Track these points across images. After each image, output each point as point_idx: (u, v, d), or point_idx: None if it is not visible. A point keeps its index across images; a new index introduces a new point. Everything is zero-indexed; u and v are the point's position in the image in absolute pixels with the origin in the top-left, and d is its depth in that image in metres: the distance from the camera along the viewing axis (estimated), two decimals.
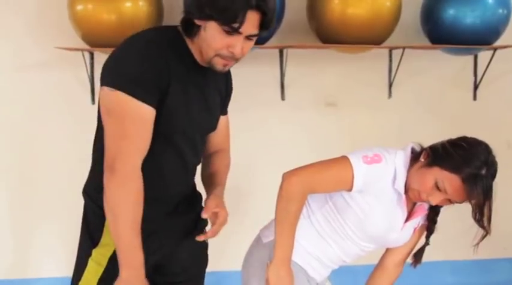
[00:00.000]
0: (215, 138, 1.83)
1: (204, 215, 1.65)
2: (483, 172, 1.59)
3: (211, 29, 1.48)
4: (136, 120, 1.49)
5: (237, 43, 1.48)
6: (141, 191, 1.51)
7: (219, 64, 1.55)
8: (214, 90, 1.71)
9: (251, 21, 1.45)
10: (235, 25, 1.44)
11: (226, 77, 1.77)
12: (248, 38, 1.50)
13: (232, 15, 1.43)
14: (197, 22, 1.52)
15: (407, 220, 1.75)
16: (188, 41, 1.58)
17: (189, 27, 1.55)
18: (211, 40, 1.49)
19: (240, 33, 1.46)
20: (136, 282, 1.52)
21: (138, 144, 1.51)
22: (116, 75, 1.49)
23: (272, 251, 1.68)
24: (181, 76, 1.54)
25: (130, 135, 1.49)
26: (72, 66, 3.16)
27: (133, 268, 1.52)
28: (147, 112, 1.50)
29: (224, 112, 1.83)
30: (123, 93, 1.46)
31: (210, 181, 1.80)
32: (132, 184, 1.50)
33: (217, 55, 1.52)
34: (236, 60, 1.55)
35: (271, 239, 1.73)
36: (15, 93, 3.23)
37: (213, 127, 1.77)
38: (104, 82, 1.52)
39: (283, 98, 3.37)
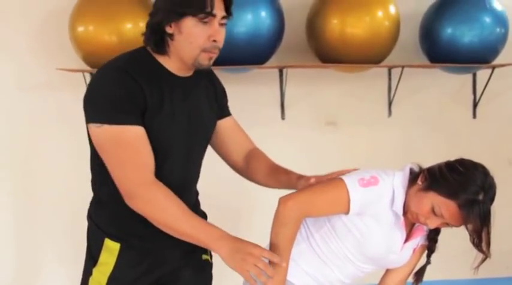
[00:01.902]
0: (235, 144, 1.83)
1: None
2: (480, 197, 1.56)
3: (188, 26, 1.53)
4: (131, 143, 1.52)
5: (216, 29, 1.55)
6: (166, 190, 1.54)
7: (205, 59, 1.58)
8: (199, 99, 1.70)
9: (218, 5, 1.54)
10: (208, 9, 1.51)
11: (210, 79, 1.77)
12: (220, 24, 1.56)
13: (203, 2, 1.51)
14: (169, 30, 1.55)
15: (406, 240, 1.74)
16: (159, 57, 1.60)
17: (160, 42, 1.58)
18: (192, 37, 1.54)
19: (214, 15, 1.53)
20: (235, 249, 1.48)
21: (140, 162, 1.53)
22: (96, 110, 1.53)
23: None
24: (156, 94, 1.56)
25: (131, 159, 1.52)
26: (73, 87, 3.17)
27: (220, 241, 1.50)
28: (137, 132, 1.53)
29: (225, 113, 1.83)
30: (109, 125, 1.50)
31: (278, 177, 1.78)
32: (154, 192, 1.53)
33: (202, 51, 1.55)
34: (218, 49, 1.59)
35: None
36: (17, 112, 3.25)
37: (204, 137, 1.76)
38: (88, 119, 1.55)
39: (283, 117, 3.38)
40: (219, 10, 1.54)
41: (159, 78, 1.58)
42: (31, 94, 3.23)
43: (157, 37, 1.57)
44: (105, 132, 1.51)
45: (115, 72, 1.54)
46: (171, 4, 1.53)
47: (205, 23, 1.53)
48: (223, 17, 1.57)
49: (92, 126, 1.53)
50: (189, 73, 1.65)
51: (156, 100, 1.55)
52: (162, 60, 1.61)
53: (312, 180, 1.68)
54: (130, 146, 1.52)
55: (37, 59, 3.20)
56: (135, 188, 1.52)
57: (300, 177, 1.73)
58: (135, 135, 1.52)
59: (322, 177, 1.69)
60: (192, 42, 1.54)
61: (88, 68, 3.02)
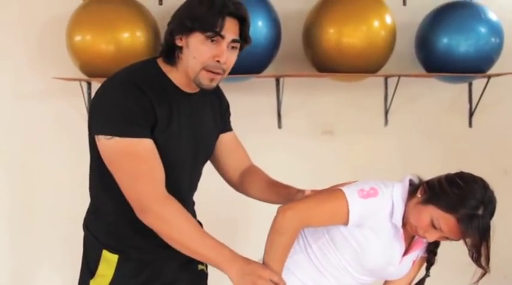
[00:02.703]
0: (232, 160, 1.84)
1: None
2: (479, 212, 1.55)
3: (195, 41, 1.53)
4: (142, 156, 1.52)
5: (222, 50, 1.53)
6: (179, 205, 1.54)
7: (205, 79, 1.57)
8: (204, 114, 1.71)
9: (230, 27, 1.53)
10: (217, 29, 1.50)
11: (217, 94, 1.78)
12: (231, 47, 1.55)
13: (213, 20, 1.50)
14: (178, 42, 1.55)
15: (406, 253, 1.73)
16: (168, 71, 1.61)
17: (171, 54, 1.59)
18: (197, 52, 1.54)
19: (222, 36, 1.52)
20: (245, 271, 1.50)
21: (153, 176, 1.53)
22: (105, 122, 1.52)
23: None
24: (165, 109, 1.56)
25: (142, 173, 1.52)
26: (70, 96, 3.18)
27: (230, 262, 1.51)
28: (147, 144, 1.52)
29: (227, 128, 1.84)
30: (120, 138, 1.50)
31: (277, 191, 1.79)
32: (168, 208, 1.53)
33: (203, 68, 1.55)
34: (223, 72, 1.57)
35: None
36: (14, 121, 3.24)
37: (208, 152, 1.77)
38: (97, 131, 1.54)
39: (279, 126, 3.39)
40: (230, 32, 1.53)
41: (167, 93, 1.58)
42: (28, 102, 3.23)
43: (169, 47, 1.58)
44: (116, 145, 1.50)
45: (125, 85, 1.53)
46: (183, 17, 1.54)
47: (213, 41, 1.52)
48: (235, 41, 1.55)
49: (102, 137, 1.52)
50: (196, 89, 1.64)
51: (165, 115, 1.56)
52: (171, 74, 1.61)
53: (308, 193, 1.69)
54: (142, 160, 1.51)
55: (34, 68, 3.20)
56: (148, 203, 1.52)
57: (299, 191, 1.73)
58: (146, 148, 1.52)
59: (321, 191, 1.70)
60: (196, 57, 1.54)
61: (85, 77, 3.02)
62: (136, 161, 1.51)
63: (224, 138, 1.82)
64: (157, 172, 1.54)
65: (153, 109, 1.53)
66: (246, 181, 1.83)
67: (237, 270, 1.50)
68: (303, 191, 1.72)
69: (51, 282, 3.31)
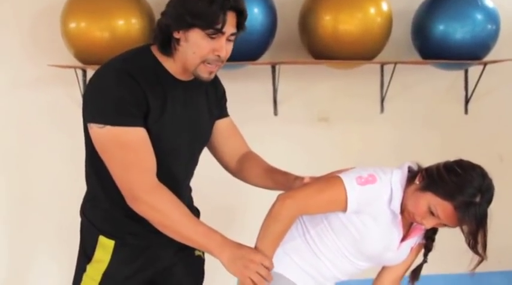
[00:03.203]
0: (230, 145, 1.84)
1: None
2: (477, 199, 1.56)
3: (194, 36, 1.51)
4: (133, 145, 1.52)
5: (222, 45, 1.53)
6: (170, 194, 1.55)
7: (204, 72, 1.57)
8: (199, 101, 1.71)
9: (230, 21, 1.52)
10: (218, 26, 1.49)
11: (212, 81, 1.76)
12: (228, 39, 1.55)
13: (214, 18, 1.48)
14: (176, 35, 1.54)
15: (404, 239, 1.74)
16: (163, 60, 1.60)
17: (167, 44, 1.57)
18: (196, 47, 1.53)
19: (223, 33, 1.51)
20: (236, 255, 1.52)
21: (145, 165, 1.54)
22: (98, 111, 1.53)
23: None
24: (158, 98, 1.56)
25: (133, 162, 1.52)
26: (65, 84, 3.16)
27: (221, 247, 1.53)
28: (140, 134, 1.53)
29: (223, 114, 1.83)
30: (112, 126, 1.50)
31: (274, 177, 1.78)
32: (159, 197, 1.54)
33: (202, 62, 1.55)
34: (222, 63, 1.58)
35: None
36: (8, 110, 3.23)
37: (203, 140, 1.77)
38: (89, 119, 1.55)
39: (275, 113, 3.38)
40: (229, 26, 1.52)
41: (161, 82, 1.58)
42: (22, 90, 3.21)
43: (165, 38, 1.56)
44: (108, 133, 1.50)
45: (118, 74, 1.53)
46: (183, 11, 1.51)
47: (213, 38, 1.51)
48: (233, 33, 1.55)
49: (94, 126, 1.53)
50: (191, 77, 1.64)
51: (158, 103, 1.55)
52: (166, 62, 1.60)
53: (307, 180, 1.69)
54: (134, 149, 1.52)
55: (28, 55, 3.18)
56: (139, 193, 1.53)
57: (297, 178, 1.73)
58: (138, 137, 1.52)
59: (320, 178, 1.70)
60: (196, 52, 1.53)
61: (80, 64, 3.00)
62: (128, 150, 1.51)
63: (221, 124, 1.82)
64: (149, 161, 1.55)
65: (145, 98, 1.52)
66: (244, 167, 1.83)
67: (229, 255, 1.52)
68: (301, 178, 1.72)
69: (48, 271, 3.32)
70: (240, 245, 1.55)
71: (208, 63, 1.55)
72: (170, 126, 1.59)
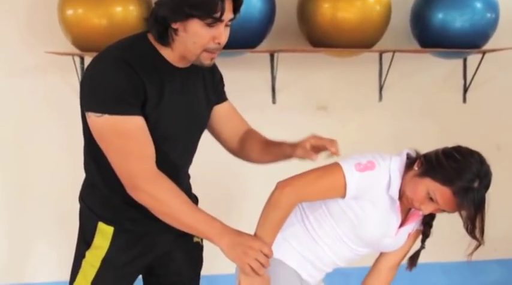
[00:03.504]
0: (231, 129, 1.84)
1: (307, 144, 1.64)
2: (475, 184, 1.58)
3: (193, 26, 1.51)
4: (132, 134, 1.52)
5: (221, 32, 1.53)
6: (169, 183, 1.55)
7: (206, 59, 1.57)
8: (196, 88, 1.71)
9: (228, 8, 1.52)
10: (217, 15, 1.48)
11: (209, 67, 1.75)
12: (226, 25, 1.55)
13: (213, 7, 1.47)
14: (174, 26, 1.53)
15: (401, 225, 1.76)
16: (160, 48, 1.59)
17: (164, 34, 1.56)
18: (196, 37, 1.52)
19: (222, 21, 1.51)
20: (236, 242, 1.53)
21: (142, 154, 1.54)
22: (96, 99, 1.52)
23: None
24: (155, 85, 1.56)
25: (132, 150, 1.52)
26: (63, 71, 3.15)
27: (221, 234, 1.54)
28: (138, 122, 1.52)
29: (222, 99, 1.83)
30: (110, 115, 1.50)
31: (270, 150, 1.78)
32: (158, 186, 1.54)
33: (204, 50, 1.54)
34: (220, 49, 1.58)
35: None
36: (5, 98, 3.22)
37: (201, 127, 1.77)
38: (87, 108, 1.55)
39: (274, 102, 3.38)
40: (228, 13, 1.52)
41: (158, 69, 1.58)
42: (20, 78, 3.20)
43: (161, 28, 1.55)
44: (106, 122, 1.50)
45: (116, 62, 1.52)
46: (180, 2, 1.49)
47: (212, 26, 1.51)
48: (231, 19, 1.55)
49: (92, 114, 1.52)
50: (188, 64, 1.64)
51: (155, 91, 1.55)
52: (163, 50, 1.59)
53: (307, 145, 1.64)
54: (132, 138, 1.52)
55: (25, 42, 3.16)
56: (138, 182, 1.53)
57: (293, 145, 1.70)
58: (136, 126, 1.52)
59: (316, 139, 1.66)
60: (196, 42, 1.53)
61: (77, 51, 2.99)
62: (126, 139, 1.51)
63: (220, 109, 1.82)
64: (147, 149, 1.55)
65: (143, 86, 1.52)
66: (244, 146, 1.83)
67: (228, 242, 1.53)
68: (297, 145, 1.68)
69: (46, 258, 3.33)
70: (239, 232, 1.56)
71: (209, 51, 1.55)
72: (168, 113, 1.59)
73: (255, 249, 1.52)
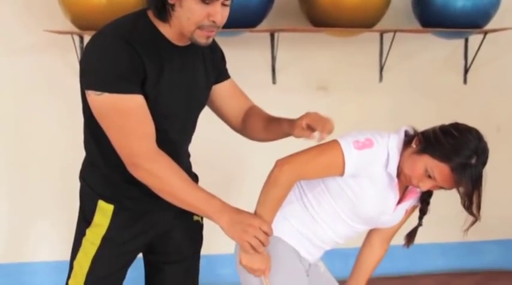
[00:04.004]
0: (234, 107, 1.83)
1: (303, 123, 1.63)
2: (473, 161, 1.59)
3: (189, 2, 1.50)
4: (132, 112, 1.52)
5: (217, 10, 1.51)
6: (169, 161, 1.56)
7: (201, 37, 1.56)
8: (196, 66, 1.70)
9: None
10: None
11: (210, 45, 1.75)
12: (223, 4, 1.52)
13: None
14: (170, 1, 1.52)
15: (399, 202, 1.77)
16: (159, 25, 1.58)
17: (162, 10, 1.55)
18: (191, 13, 1.51)
19: None
20: (235, 220, 1.54)
21: (142, 132, 1.54)
22: (96, 78, 1.52)
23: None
24: (155, 64, 1.55)
25: (132, 129, 1.53)
26: (62, 50, 3.13)
27: (220, 212, 1.55)
28: (138, 100, 1.52)
29: (224, 77, 1.82)
30: (110, 94, 1.49)
31: (270, 128, 1.78)
32: (159, 164, 1.55)
33: (198, 28, 1.53)
34: (217, 28, 1.56)
35: None
36: (4, 77, 3.21)
37: (200, 105, 1.77)
38: (87, 87, 1.54)
39: (274, 82, 3.37)
40: None
41: (158, 47, 1.57)
42: (18, 57, 3.18)
43: (159, 4, 1.54)
44: (106, 100, 1.50)
45: (115, 40, 1.52)
46: None
47: (208, 3, 1.49)
48: None
49: (91, 93, 1.52)
50: (187, 42, 1.63)
51: (155, 69, 1.55)
52: (162, 27, 1.58)
53: (303, 124, 1.63)
54: (132, 116, 1.52)
55: (24, 21, 3.14)
56: (138, 160, 1.53)
57: (291, 123, 1.68)
58: (136, 104, 1.52)
59: (311, 118, 1.65)
60: (190, 18, 1.51)
61: (77, 30, 2.97)
62: (126, 117, 1.51)
63: (222, 87, 1.82)
64: (147, 128, 1.55)
65: (142, 64, 1.52)
66: (248, 124, 1.83)
67: (228, 220, 1.54)
68: (294, 122, 1.67)
69: (47, 237, 3.35)
70: (239, 210, 1.57)
71: (204, 29, 1.53)
72: (167, 92, 1.59)
73: (254, 227, 1.53)
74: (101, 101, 1.51)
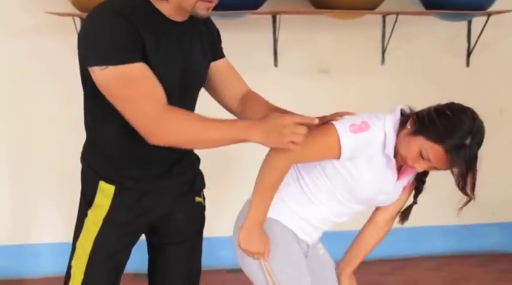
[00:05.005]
0: (229, 86, 1.82)
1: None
2: (467, 141, 1.58)
3: None
4: (138, 79, 1.51)
5: None
6: (179, 110, 1.54)
7: (203, 9, 1.56)
8: (193, 42, 1.69)
9: None
10: None
11: (205, 22, 1.75)
12: None
13: None
14: None
15: (397, 180, 1.77)
16: (155, 1, 1.58)
17: None
18: None
19: None
20: (267, 130, 1.49)
21: (153, 94, 1.53)
22: (97, 53, 1.51)
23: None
24: (152, 36, 1.54)
25: (141, 94, 1.51)
26: (63, 32, 3.12)
27: (250, 130, 1.51)
28: (142, 68, 1.52)
29: (219, 55, 1.82)
30: (114, 66, 1.49)
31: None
32: (171, 118, 1.52)
33: (199, 0, 1.53)
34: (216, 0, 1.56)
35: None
36: (4, 59, 3.20)
37: (198, 81, 1.76)
38: (90, 63, 1.53)
39: (276, 64, 3.36)
40: None
41: (155, 23, 1.56)
42: (19, 39, 3.17)
43: None
44: (111, 73, 1.49)
45: (111, 15, 1.51)
46: None
47: None
48: None
49: (96, 69, 1.51)
50: (184, 18, 1.62)
51: (152, 44, 1.54)
52: (159, 4, 1.58)
53: (315, 121, 1.65)
54: (139, 83, 1.51)
55: (24, 3, 3.12)
56: (151, 123, 1.51)
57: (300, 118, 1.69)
58: (141, 71, 1.51)
59: (321, 118, 1.66)
60: None
61: (78, 12, 2.95)
62: (133, 86, 1.51)
63: (218, 65, 1.81)
64: (156, 91, 1.53)
65: (140, 35, 1.51)
66: (247, 108, 1.82)
67: (261, 133, 1.50)
68: (301, 116, 1.68)
69: (50, 219, 3.36)
70: (264, 119, 1.52)
71: (206, 1, 1.54)
72: (163, 67, 1.58)
73: (287, 126, 1.48)
74: (106, 75, 1.50)
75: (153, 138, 1.53)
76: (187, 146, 1.55)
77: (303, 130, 1.48)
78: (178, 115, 1.54)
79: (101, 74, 1.51)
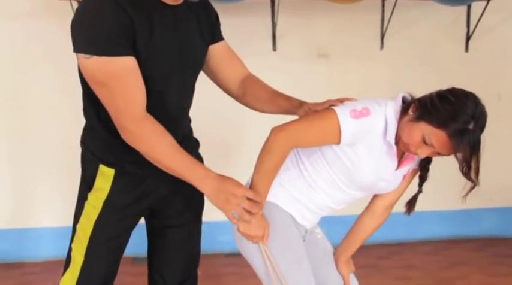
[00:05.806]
0: (228, 69, 1.82)
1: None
2: (470, 126, 1.57)
3: None
4: (121, 75, 1.50)
5: None
6: (155, 125, 1.55)
7: None
8: (190, 26, 1.67)
9: None
10: None
11: (203, 5, 1.73)
12: None
13: None
14: None
15: (397, 168, 1.77)
16: None
17: None
18: None
19: None
20: (218, 189, 1.53)
21: (132, 96, 1.53)
22: (84, 41, 1.50)
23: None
24: (146, 23, 1.53)
25: (120, 92, 1.51)
26: (60, 16, 3.09)
27: (203, 180, 1.55)
28: (128, 63, 1.51)
29: (218, 38, 1.80)
30: (98, 57, 1.48)
31: (278, 103, 1.78)
32: (144, 128, 1.54)
33: None
34: None
35: None
36: (2, 42, 3.19)
37: (196, 66, 1.75)
38: (76, 49, 1.52)
39: (274, 49, 3.35)
40: None
41: (149, 7, 1.54)
42: (16, 22, 3.16)
43: None
44: (95, 63, 1.49)
45: (104, 2, 1.49)
46: None
47: None
48: None
49: (81, 56, 1.51)
50: (179, 1, 1.61)
51: (146, 30, 1.52)
52: None
53: (318, 107, 1.66)
54: (121, 78, 1.50)
55: None
56: (126, 124, 1.53)
57: (302, 103, 1.73)
58: (125, 67, 1.50)
59: (322, 104, 1.68)
60: None
61: None
62: (115, 80, 1.50)
63: (217, 48, 1.79)
64: (136, 91, 1.53)
65: (132, 23, 1.49)
66: (247, 91, 1.82)
67: (211, 188, 1.54)
68: (305, 103, 1.71)
69: (50, 203, 3.37)
70: (222, 178, 1.55)
71: None
72: (159, 52, 1.57)
73: (237, 197, 1.52)
74: (90, 64, 1.50)
75: (122, 135, 1.56)
76: (145, 157, 1.57)
77: (251, 208, 1.52)
78: (152, 130, 1.54)
79: (85, 62, 1.50)
